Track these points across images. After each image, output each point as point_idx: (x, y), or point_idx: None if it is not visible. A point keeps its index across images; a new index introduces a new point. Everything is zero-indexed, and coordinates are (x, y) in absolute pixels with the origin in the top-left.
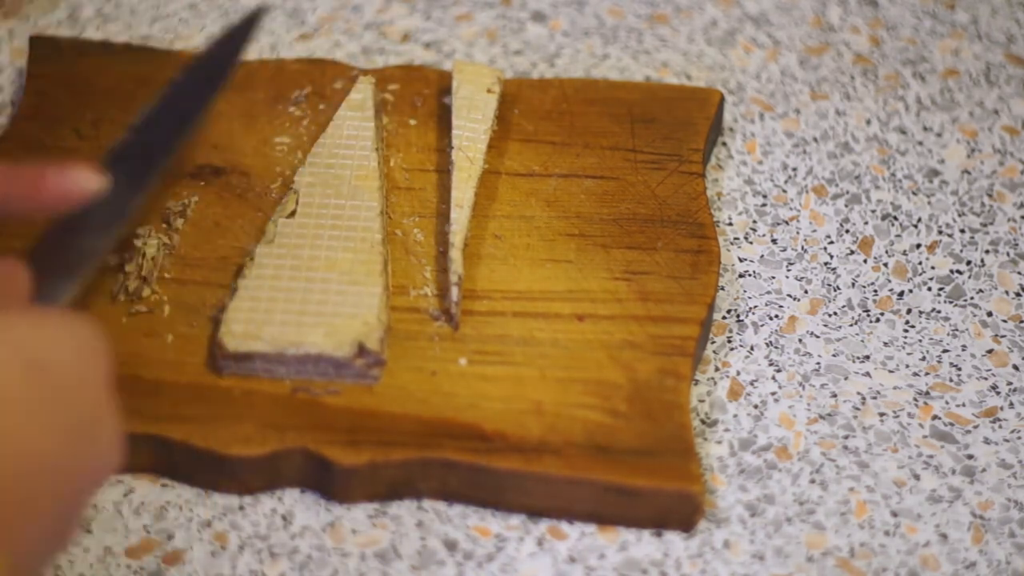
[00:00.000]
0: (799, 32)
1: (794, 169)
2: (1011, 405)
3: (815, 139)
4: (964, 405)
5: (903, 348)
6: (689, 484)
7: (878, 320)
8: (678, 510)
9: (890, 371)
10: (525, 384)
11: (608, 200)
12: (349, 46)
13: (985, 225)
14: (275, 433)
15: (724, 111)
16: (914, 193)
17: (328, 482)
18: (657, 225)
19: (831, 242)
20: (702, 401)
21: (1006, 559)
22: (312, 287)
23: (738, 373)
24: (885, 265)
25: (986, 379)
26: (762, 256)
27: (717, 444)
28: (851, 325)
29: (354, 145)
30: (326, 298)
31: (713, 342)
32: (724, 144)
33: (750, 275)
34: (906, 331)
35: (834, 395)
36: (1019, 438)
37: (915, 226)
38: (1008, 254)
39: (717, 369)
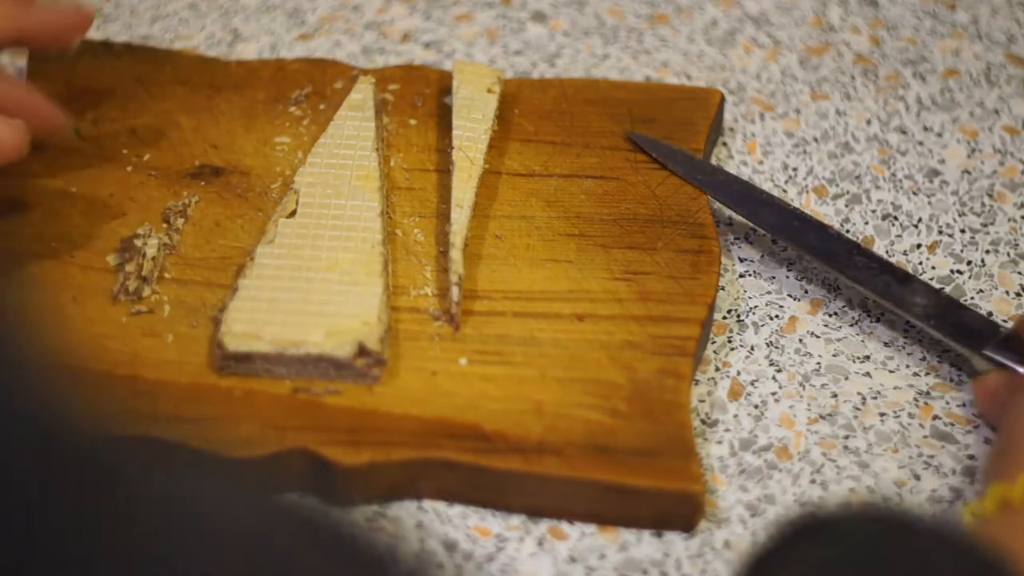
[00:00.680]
0: (799, 32)
1: (794, 169)
2: None
3: (815, 139)
4: (964, 405)
5: (903, 348)
6: (689, 484)
7: (878, 320)
8: (678, 510)
9: (890, 371)
10: (525, 384)
11: (608, 200)
12: (349, 46)
13: (985, 225)
14: (275, 433)
15: (724, 111)
16: (914, 193)
17: (328, 484)
18: (657, 225)
19: None
20: (702, 401)
21: None
22: (312, 287)
23: (738, 373)
24: None
25: None
26: (762, 256)
27: (717, 444)
28: (851, 325)
29: (354, 145)
30: (327, 298)
31: (713, 342)
32: (724, 144)
33: (750, 275)
34: (906, 331)
35: (834, 395)
36: None
37: (915, 226)
38: (1008, 254)
39: (717, 369)
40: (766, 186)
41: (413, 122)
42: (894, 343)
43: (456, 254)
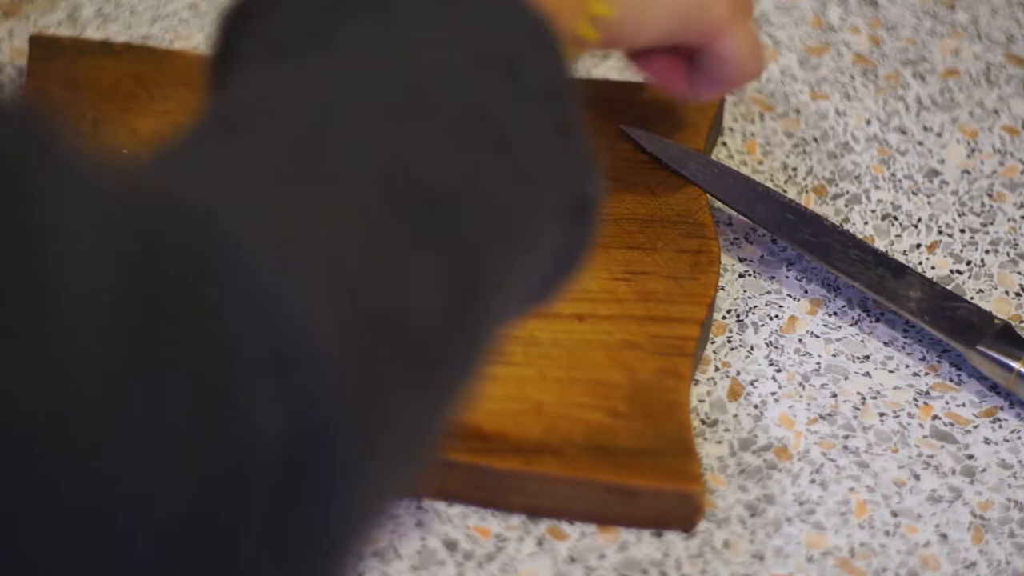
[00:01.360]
0: (799, 32)
1: (794, 169)
2: (1011, 405)
3: (815, 139)
4: (964, 405)
5: (903, 348)
6: (689, 484)
7: (878, 320)
8: (678, 510)
9: (890, 371)
10: (525, 384)
11: (608, 200)
12: None
13: (985, 225)
14: None
15: (724, 111)
16: (914, 193)
17: None
18: (657, 225)
19: None
20: (702, 401)
21: (1006, 559)
22: None
23: (738, 373)
24: None
25: (986, 379)
26: (762, 256)
27: (717, 444)
28: (851, 325)
29: None
30: None
31: (713, 342)
32: (724, 144)
33: (750, 275)
34: (906, 331)
35: (834, 395)
36: (1019, 438)
37: (915, 226)
38: (1008, 254)
39: (717, 369)
40: (766, 186)
41: None
42: (894, 343)
43: None
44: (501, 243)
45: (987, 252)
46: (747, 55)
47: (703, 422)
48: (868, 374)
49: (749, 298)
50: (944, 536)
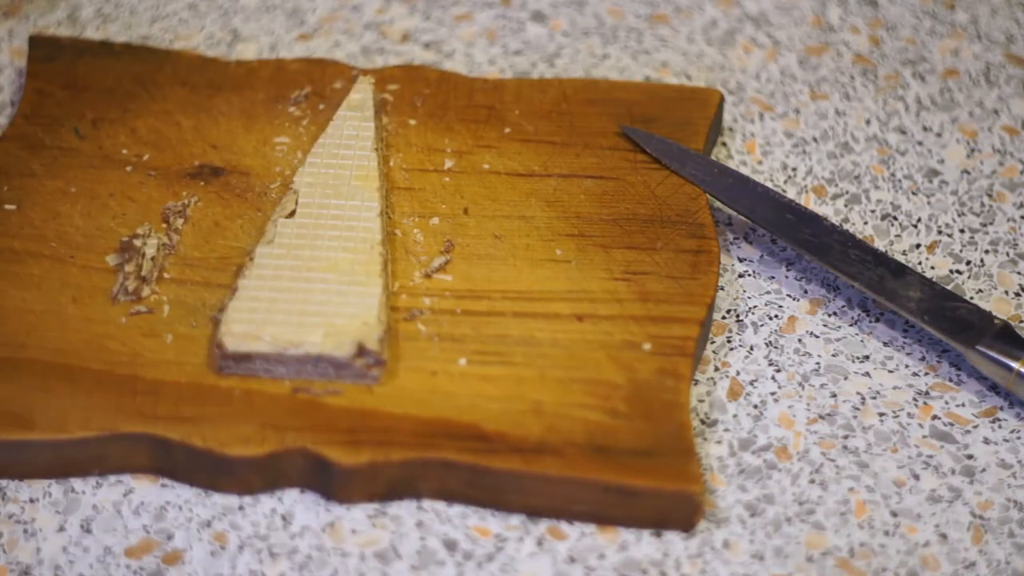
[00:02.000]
0: (799, 32)
1: (794, 169)
2: (1011, 405)
3: (815, 139)
4: (964, 405)
5: (903, 348)
6: (689, 484)
7: (878, 320)
8: (678, 510)
9: (890, 371)
10: (525, 384)
11: (608, 200)
12: (349, 46)
13: (985, 225)
14: (275, 433)
15: (724, 111)
16: (914, 193)
17: (328, 482)
18: (657, 225)
19: None
20: (702, 401)
21: (1006, 559)
22: (312, 287)
23: (738, 373)
24: None
25: (986, 379)
26: (761, 256)
27: (717, 444)
28: (851, 325)
29: (354, 145)
30: (326, 298)
31: (713, 342)
32: (724, 144)
33: (750, 275)
34: (906, 331)
35: (834, 395)
36: (1019, 438)
37: (915, 226)
38: (1008, 254)
39: (717, 369)
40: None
41: (413, 122)
42: (893, 343)
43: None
44: None
45: (987, 252)
46: None
47: (703, 422)
48: (868, 374)
49: (749, 298)
50: (944, 536)
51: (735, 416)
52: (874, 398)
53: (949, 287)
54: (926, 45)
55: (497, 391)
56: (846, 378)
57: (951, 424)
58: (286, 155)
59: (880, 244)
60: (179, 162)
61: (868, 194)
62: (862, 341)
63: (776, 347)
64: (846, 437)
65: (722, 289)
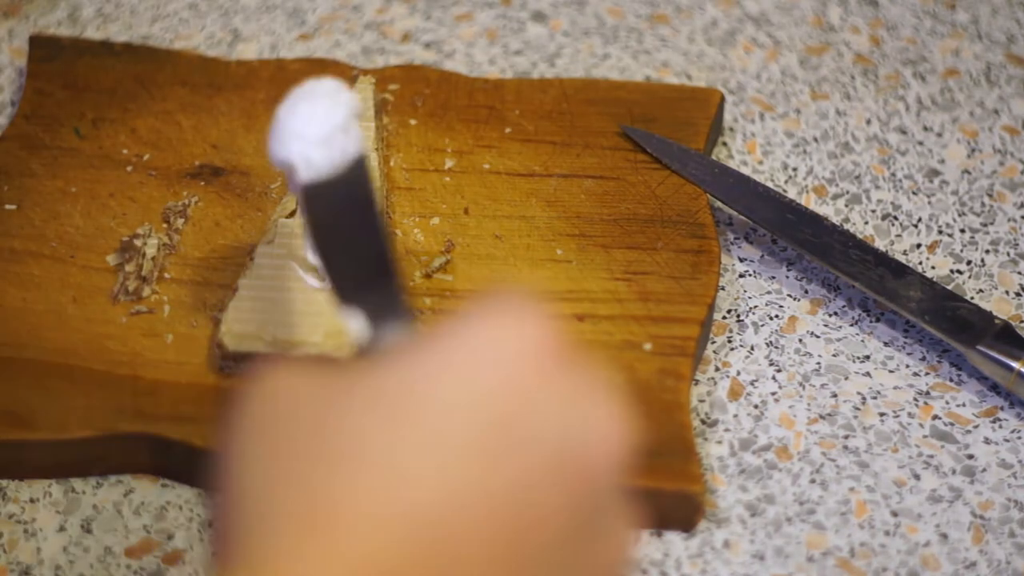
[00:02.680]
0: (799, 32)
1: (794, 169)
2: (1011, 405)
3: (815, 139)
4: (964, 405)
5: (903, 348)
6: (689, 484)
7: (878, 320)
8: (678, 510)
9: (890, 371)
10: None
11: (608, 200)
12: (349, 46)
13: (985, 225)
14: None
15: (724, 111)
16: (914, 193)
17: None
18: (657, 225)
19: None
20: (702, 401)
21: (1006, 559)
22: (312, 287)
23: (738, 373)
24: None
25: (986, 379)
26: (762, 256)
27: (717, 444)
28: (851, 325)
29: None
30: (326, 299)
31: (713, 342)
32: (724, 144)
33: (750, 275)
34: (906, 331)
35: (834, 395)
36: (1019, 438)
37: (915, 226)
38: (1008, 254)
39: (717, 369)
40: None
41: (413, 122)
42: (894, 343)
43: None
44: None
45: (987, 252)
46: None
47: (703, 422)
48: (868, 374)
49: (749, 298)
50: (944, 536)
51: (736, 416)
52: (875, 398)
53: (950, 287)
54: (927, 45)
55: None
56: (847, 378)
57: (952, 424)
58: None
59: (881, 244)
60: (179, 162)
61: (869, 194)
62: (863, 341)
63: (777, 347)
64: (847, 437)
65: (723, 289)
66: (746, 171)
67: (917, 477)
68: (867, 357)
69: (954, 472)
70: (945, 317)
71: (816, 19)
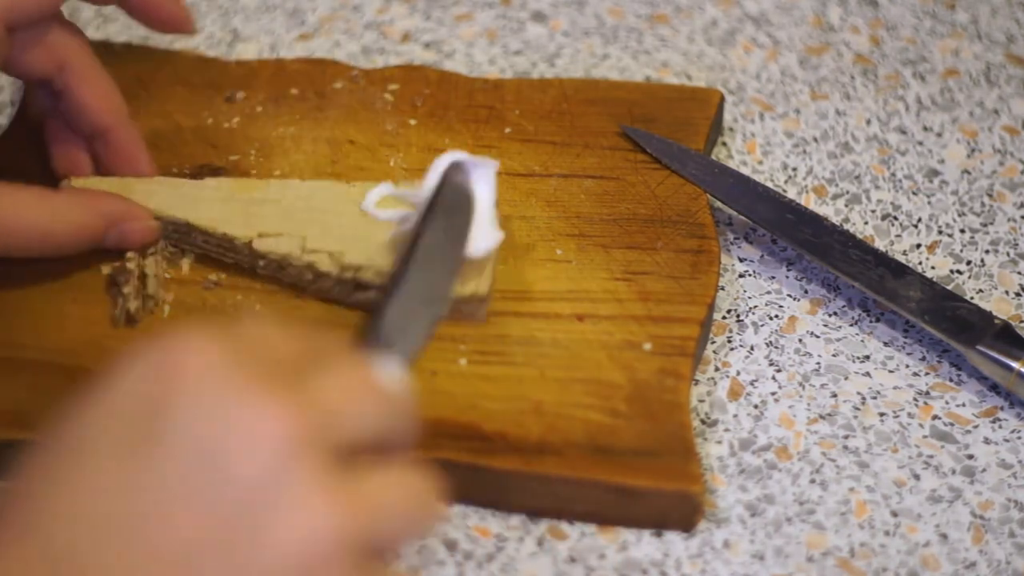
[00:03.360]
0: (799, 32)
1: (794, 169)
2: (1011, 405)
3: (815, 139)
4: (964, 405)
5: (903, 348)
6: (689, 484)
7: (878, 320)
8: (678, 510)
9: (890, 371)
10: (525, 384)
11: (608, 200)
12: (349, 46)
13: (985, 225)
14: None
15: (724, 111)
16: (914, 193)
17: None
18: (657, 225)
19: None
20: (702, 401)
21: (1006, 559)
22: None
23: (738, 373)
24: None
25: (986, 379)
26: (762, 256)
27: (717, 444)
28: (851, 325)
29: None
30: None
31: (713, 342)
32: (724, 144)
33: (750, 275)
34: (906, 331)
35: (834, 395)
36: (1019, 438)
37: (915, 226)
38: (1008, 254)
39: (717, 369)
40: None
41: (413, 122)
42: (894, 343)
43: None
44: None
45: (987, 252)
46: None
47: (703, 422)
48: (868, 374)
49: (749, 298)
50: (944, 536)
51: (735, 416)
52: (874, 398)
53: (949, 287)
54: (926, 45)
55: (497, 391)
56: (846, 378)
57: (951, 424)
58: (287, 155)
59: (880, 244)
60: (179, 162)
61: (868, 194)
62: (862, 341)
63: (776, 347)
64: (846, 437)
65: (722, 289)
66: (746, 171)
67: (917, 477)
68: (867, 357)
69: (954, 472)
70: (945, 317)
71: (816, 19)
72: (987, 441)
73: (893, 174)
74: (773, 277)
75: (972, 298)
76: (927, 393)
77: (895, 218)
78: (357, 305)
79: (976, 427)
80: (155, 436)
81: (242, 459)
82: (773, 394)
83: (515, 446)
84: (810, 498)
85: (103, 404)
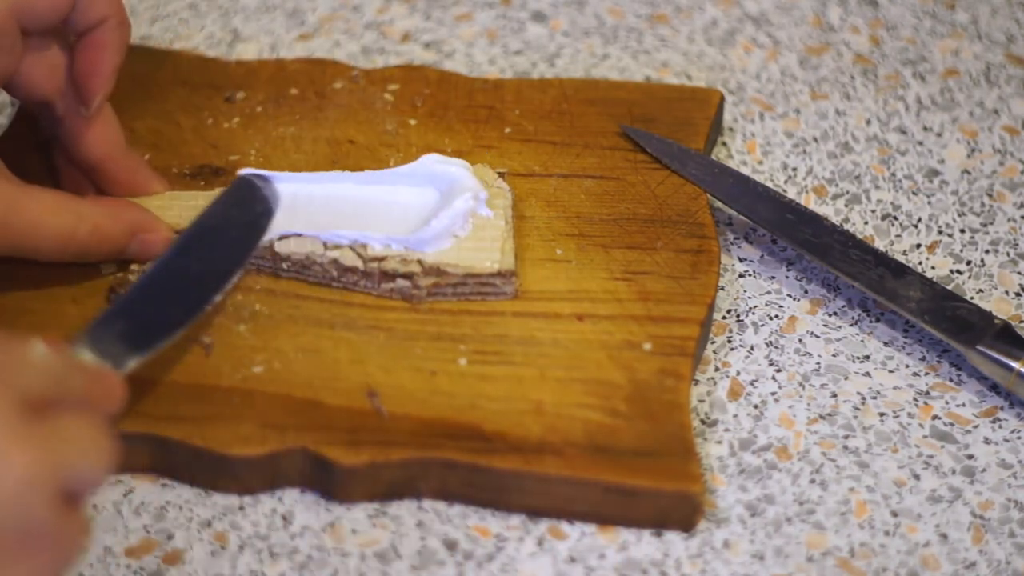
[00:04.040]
0: (799, 32)
1: (794, 169)
2: (1011, 405)
3: (815, 139)
4: (964, 405)
5: (903, 348)
6: (689, 484)
7: (878, 320)
8: (678, 510)
9: (890, 371)
10: (525, 384)
11: (608, 200)
12: (349, 46)
13: (985, 225)
14: (275, 433)
15: (724, 111)
16: (914, 193)
17: (328, 482)
18: (657, 225)
19: None
20: (702, 401)
21: (1006, 559)
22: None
23: (738, 373)
24: None
25: (986, 379)
26: (762, 256)
27: (717, 444)
28: (851, 325)
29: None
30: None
31: (713, 342)
32: (724, 144)
33: (750, 275)
34: (906, 331)
35: (834, 395)
36: (1019, 438)
37: (915, 226)
38: (1008, 254)
39: (717, 369)
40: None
41: (413, 122)
42: (894, 343)
43: None
44: None
45: (987, 252)
46: None
47: (703, 422)
48: (868, 374)
49: (749, 298)
50: (944, 536)
51: (735, 416)
52: (874, 398)
53: (949, 287)
54: (926, 45)
55: (497, 391)
56: (846, 378)
57: (951, 424)
58: (286, 155)
59: (880, 244)
60: (179, 162)
61: (868, 194)
62: (862, 341)
63: (776, 347)
64: (846, 437)
65: (722, 289)
66: (746, 171)
67: (917, 477)
68: (867, 357)
69: (954, 472)
70: (945, 317)
71: (816, 19)
72: (987, 441)
73: (893, 174)
74: (773, 277)
75: (972, 298)
76: (927, 393)
77: (895, 218)
78: (387, 295)
79: (976, 427)
80: None
81: None
82: (773, 394)
83: (515, 446)
84: (810, 498)
85: None
